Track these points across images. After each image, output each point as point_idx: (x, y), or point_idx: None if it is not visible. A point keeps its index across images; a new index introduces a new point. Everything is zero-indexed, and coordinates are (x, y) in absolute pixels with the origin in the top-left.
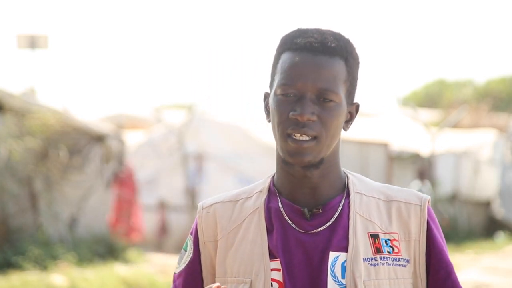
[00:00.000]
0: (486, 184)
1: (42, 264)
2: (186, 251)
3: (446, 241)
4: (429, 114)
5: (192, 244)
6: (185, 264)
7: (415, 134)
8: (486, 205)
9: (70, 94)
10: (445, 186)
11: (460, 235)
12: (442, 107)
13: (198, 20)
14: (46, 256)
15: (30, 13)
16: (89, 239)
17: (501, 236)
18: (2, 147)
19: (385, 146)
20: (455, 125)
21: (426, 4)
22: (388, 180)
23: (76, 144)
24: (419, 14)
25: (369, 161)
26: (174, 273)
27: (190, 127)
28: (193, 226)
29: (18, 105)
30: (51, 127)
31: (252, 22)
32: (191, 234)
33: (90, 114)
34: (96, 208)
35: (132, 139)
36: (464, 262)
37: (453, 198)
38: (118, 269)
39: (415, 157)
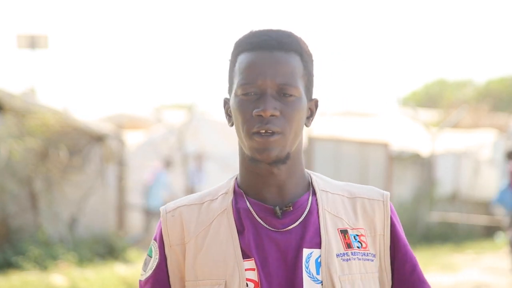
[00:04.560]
0: (486, 184)
1: (42, 264)
2: (151, 257)
3: (446, 241)
4: (429, 114)
5: (157, 249)
6: (152, 270)
7: (415, 134)
8: (486, 205)
9: (70, 94)
10: (445, 186)
11: (460, 235)
12: (442, 107)
13: (198, 20)
14: (46, 256)
15: (30, 13)
16: (89, 239)
17: (501, 236)
18: (2, 147)
19: (385, 146)
20: (455, 125)
21: (426, 4)
22: (388, 180)
23: (76, 144)
24: (419, 14)
25: (369, 161)
26: (140, 280)
27: (190, 127)
28: (157, 231)
29: (18, 105)
30: (51, 127)
31: (252, 22)
32: (154, 239)
33: (90, 114)
34: (96, 208)
35: (132, 139)
36: (464, 262)
37: (453, 198)
38: (118, 269)
39: (415, 157)
